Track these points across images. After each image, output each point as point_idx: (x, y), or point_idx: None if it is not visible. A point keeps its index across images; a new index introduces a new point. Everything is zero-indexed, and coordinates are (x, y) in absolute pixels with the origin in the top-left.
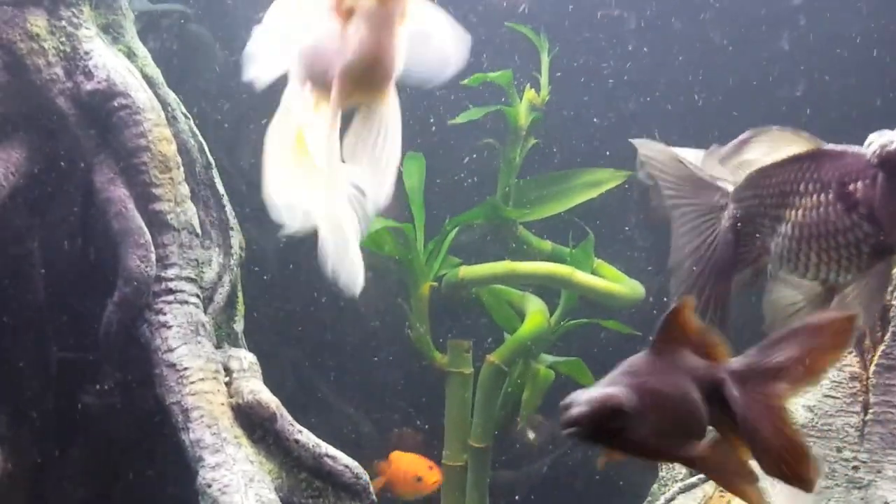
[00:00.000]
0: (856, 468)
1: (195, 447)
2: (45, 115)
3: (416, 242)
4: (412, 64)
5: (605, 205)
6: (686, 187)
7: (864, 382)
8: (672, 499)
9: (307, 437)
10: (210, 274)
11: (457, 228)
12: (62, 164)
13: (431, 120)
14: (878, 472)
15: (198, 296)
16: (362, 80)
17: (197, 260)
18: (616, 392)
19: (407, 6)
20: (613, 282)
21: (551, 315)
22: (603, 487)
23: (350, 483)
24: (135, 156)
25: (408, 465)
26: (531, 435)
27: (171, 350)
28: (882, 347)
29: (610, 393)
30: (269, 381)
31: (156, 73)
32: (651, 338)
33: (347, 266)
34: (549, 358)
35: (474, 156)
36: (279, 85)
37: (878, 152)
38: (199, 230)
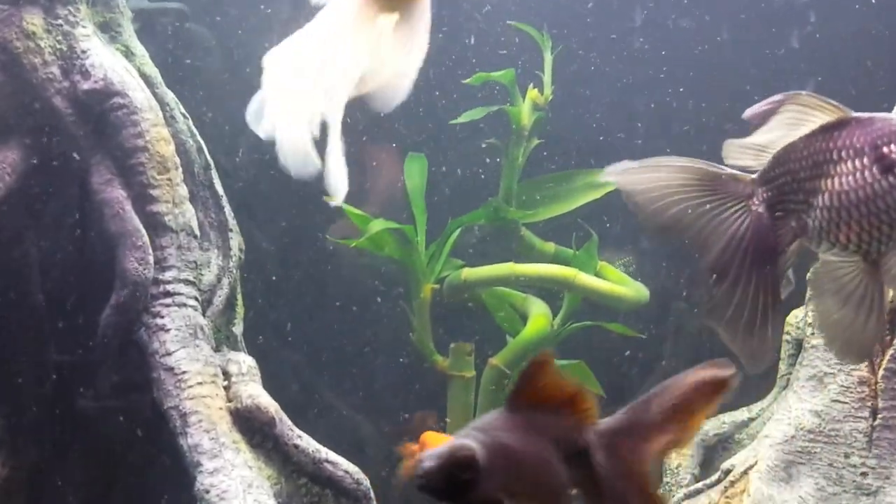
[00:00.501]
0: (864, 474)
1: (193, 452)
2: (41, 115)
3: (418, 244)
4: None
5: (609, 206)
6: (697, 187)
7: (873, 387)
8: None
9: (307, 441)
10: (209, 276)
11: (459, 230)
12: (59, 164)
13: (433, 120)
14: (887, 478)
15: (196, 298)
16: None
17: (195, 262)
18: (467, 443)
19: None
20: (617, 284)
21: (554, 317)
22: None
23: (350, 488)
24: (132, 156)
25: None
26: None
27: (168, 354)
28: (891, 351)
29: (460, 444)
30: (268, 384)
31: (154, 72)
32: (506, 395)
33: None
34: None
35: (477, 156)
36: None
37: None
38: (197, 232)
